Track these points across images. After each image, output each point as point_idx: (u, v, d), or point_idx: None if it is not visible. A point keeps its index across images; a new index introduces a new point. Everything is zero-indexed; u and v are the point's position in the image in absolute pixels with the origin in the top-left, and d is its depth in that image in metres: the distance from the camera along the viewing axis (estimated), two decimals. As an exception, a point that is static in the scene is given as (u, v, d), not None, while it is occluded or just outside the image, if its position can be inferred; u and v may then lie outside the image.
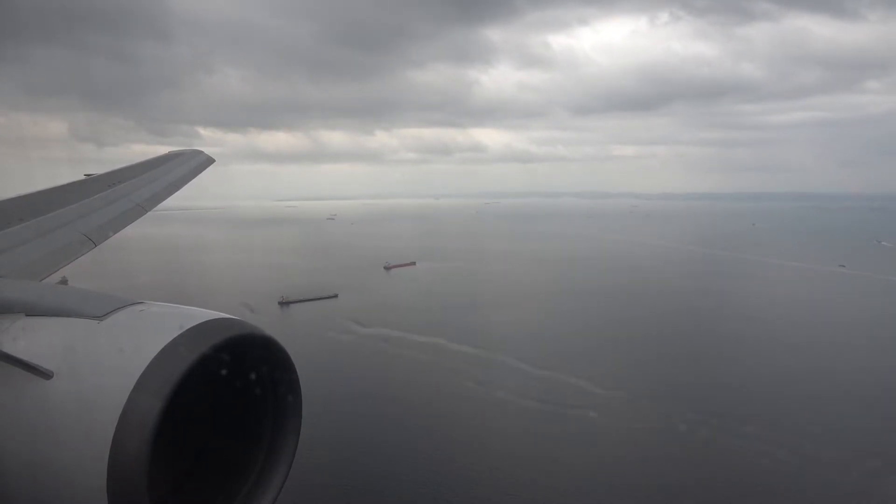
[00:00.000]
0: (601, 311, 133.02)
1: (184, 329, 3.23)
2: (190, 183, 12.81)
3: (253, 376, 3.53)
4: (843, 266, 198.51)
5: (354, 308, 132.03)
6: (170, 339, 3.17)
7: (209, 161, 14.57)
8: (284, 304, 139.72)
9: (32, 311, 3.67)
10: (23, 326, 3.56)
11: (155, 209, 10.31)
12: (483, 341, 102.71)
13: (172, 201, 11.40)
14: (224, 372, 3.39)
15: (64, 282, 6.45)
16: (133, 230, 9.42)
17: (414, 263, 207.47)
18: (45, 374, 3.20)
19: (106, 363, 3.24)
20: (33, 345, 3.40)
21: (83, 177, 10.60)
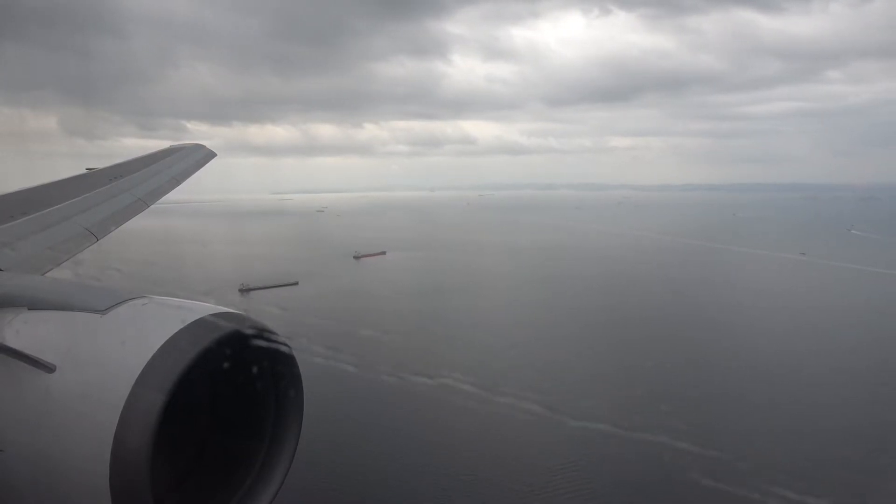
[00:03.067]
0: (552, 296, 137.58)
1: (186, 323, 3.21)
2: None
3: (255, 370, 3.53)
4: (804, 254, 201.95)
5: (307, 295, 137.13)
6: (172, 333, 3.16)
7: (211, 155, 14.54)
8: (245, 290, 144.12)
9: (35, 304, 3.65)
10: (25, 320, 3.54)
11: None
12: (408, 325, 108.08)
13: (171, 194, 11.39)
14: (226, 366, 3.38)
15: None
16: (126, 223, 9.50)
17: (384, 253, 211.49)
18: (48, 368, 3.18)
19: (108, 357, 3.22)
20: (36, 338, 3.39)
21: (85, 171, 10.75)
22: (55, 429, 3.14)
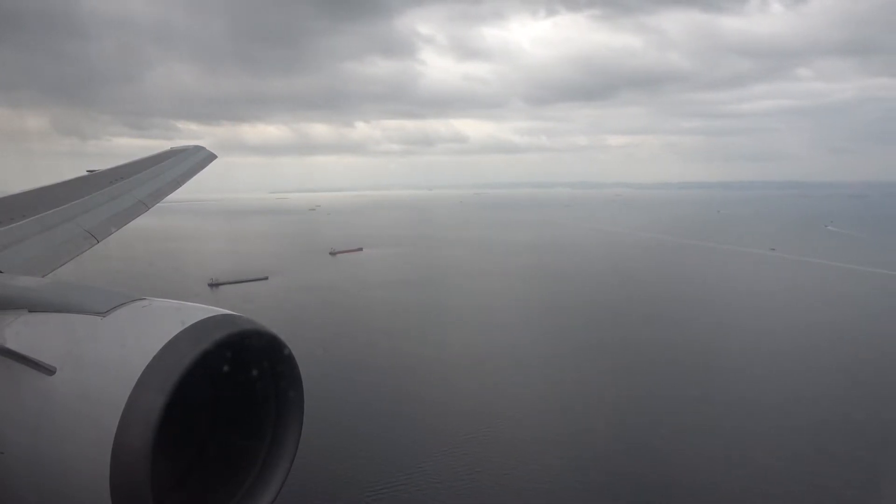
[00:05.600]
0: (509, 286, 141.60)
1: (186, 325, 3.22)
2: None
3: (255, 372, 3.56)
4: (774, 249, 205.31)
5: (274, 289, 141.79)
6: (172, 335, 3.17)
7: (211, 157, 14.63)
8: (214, 285, 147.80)
9: (35, 306, 3.67)
10: (26, 322, 3.56)
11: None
12: (354, 315, 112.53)
13: (172, 193, 11.58)
14: (226, 367, 3.40)
15: None
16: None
17: (360, 249, 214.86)
18: (48, 370, 3.20)
19: (109, 359, 3.24)
20: (36, 340, 3.40)
21: (85, 172, 10.73)
22: (55, 431, 3.15)
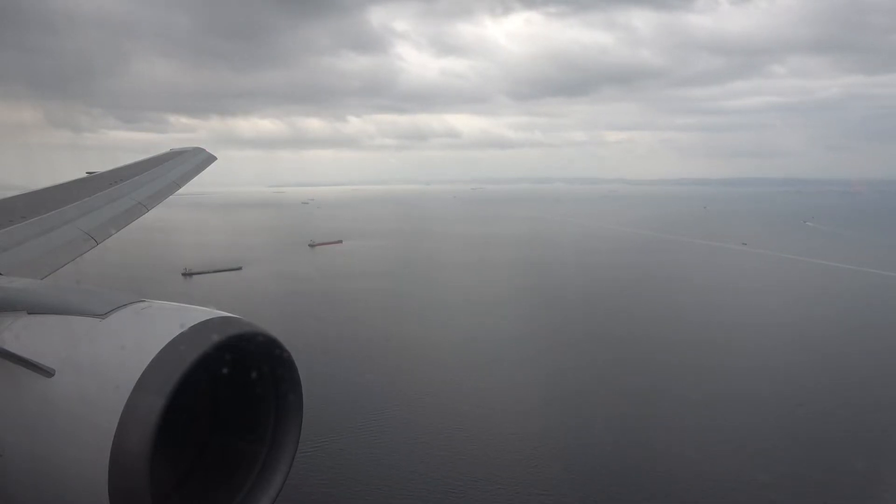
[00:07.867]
0: (470, 278, 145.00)
1: (185, 327, 3.20)
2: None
3: (254, 374, 3.53)
4: (745, 244, 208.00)
5: (245, 279, 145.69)
6: (171, 337, 3.15)
7: (211, 159, 14.86)
8: (188, 275, 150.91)
9: (34, 308, 3.66)
10: (25, 324, 3.54)
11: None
12: (311, 302, 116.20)
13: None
14: (226, 370, 3.38)
15: None
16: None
17: (340, 241, 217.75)
18: (47, 372, 3.18)
19: (107, 361, 3.22)
20: (35, 342, 3.38)
21: (85, 174, 10.85)
22: (54, 433, 3.14)
